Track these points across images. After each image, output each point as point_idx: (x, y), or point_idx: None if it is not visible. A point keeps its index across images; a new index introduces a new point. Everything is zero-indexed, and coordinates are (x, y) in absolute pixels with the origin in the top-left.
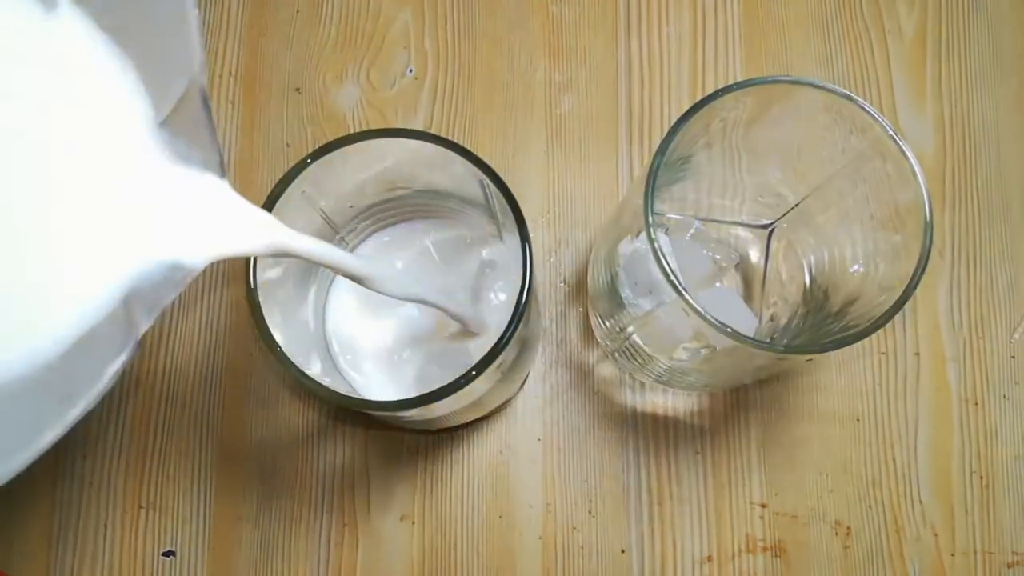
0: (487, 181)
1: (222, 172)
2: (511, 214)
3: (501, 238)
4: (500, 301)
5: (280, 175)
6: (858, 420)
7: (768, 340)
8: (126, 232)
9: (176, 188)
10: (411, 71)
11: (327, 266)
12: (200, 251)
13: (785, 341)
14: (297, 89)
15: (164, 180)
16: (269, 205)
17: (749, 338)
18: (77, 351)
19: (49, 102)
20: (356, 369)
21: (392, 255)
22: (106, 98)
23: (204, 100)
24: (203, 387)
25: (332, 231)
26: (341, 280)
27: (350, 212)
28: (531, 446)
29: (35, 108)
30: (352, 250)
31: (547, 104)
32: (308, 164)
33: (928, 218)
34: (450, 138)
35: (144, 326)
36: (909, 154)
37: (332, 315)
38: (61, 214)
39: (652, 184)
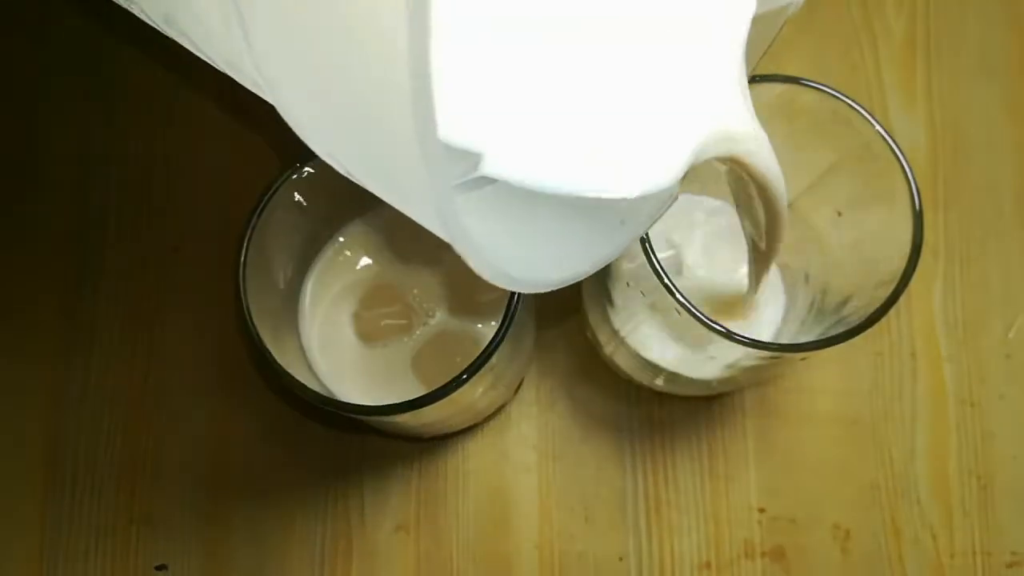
0: None
1: None
2: None
3: None
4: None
5: None
6: (855, 422)
7: (760, 340)
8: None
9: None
10: None
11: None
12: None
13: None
14: None
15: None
16: (258, 215)
17: (744, 338)
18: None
19: None
20: (336, 375)
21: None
22: None
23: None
24: (194, 399)
25: (315, 229)
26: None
27: (337, 212)
28: (526, 454)
29: None
30: (333, 234)
31: None
32: (299, 168)
33: (918, 209)
34: None
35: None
36: (895, 148)
37: (307, 313)
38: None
39: None
